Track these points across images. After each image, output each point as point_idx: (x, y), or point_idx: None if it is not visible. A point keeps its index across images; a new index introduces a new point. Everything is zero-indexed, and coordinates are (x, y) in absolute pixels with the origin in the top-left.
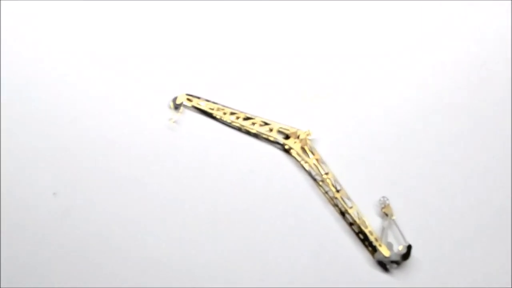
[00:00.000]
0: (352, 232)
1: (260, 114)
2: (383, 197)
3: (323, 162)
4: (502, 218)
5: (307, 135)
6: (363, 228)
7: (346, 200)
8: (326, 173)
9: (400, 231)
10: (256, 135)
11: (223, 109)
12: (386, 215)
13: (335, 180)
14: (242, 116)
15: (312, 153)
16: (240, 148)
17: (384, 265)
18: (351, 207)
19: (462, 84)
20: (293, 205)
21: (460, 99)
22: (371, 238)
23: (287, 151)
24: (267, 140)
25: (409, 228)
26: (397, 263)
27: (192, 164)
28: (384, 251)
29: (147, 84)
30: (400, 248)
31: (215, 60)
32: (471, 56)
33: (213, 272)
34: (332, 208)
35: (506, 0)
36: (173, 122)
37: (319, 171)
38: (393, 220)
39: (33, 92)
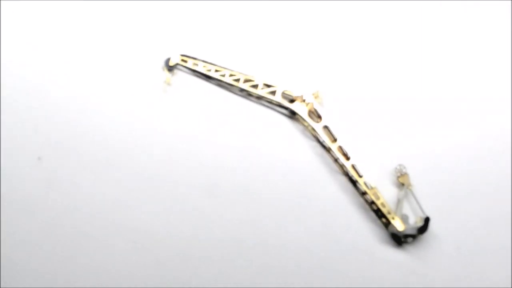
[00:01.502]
0: (364, 203)
1: (261, 76)
2: (400, 165)
3: (332, 128)
4: None
5: (315, 97)
6: (374, 199)
7: (357, 169)
8: (335, 140)
9: (417, 202)
10: (258, 99)
11: (221, 71)
12: (403, 184)
13: (345, 147)
14: (243, 77)
15: (320, 118)
16: (240, 113)
17: (398, 238)
18: (362, 176)
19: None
20: (299, 175)
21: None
22: (384, 210)
23: (293, 116)
24: (270, 104)
25: (427, 199)
26: (413, 237)
27: (188, 130)
28: (399, 224)
29: (138, 44)
30: (417, 221)
31: (212, 16)
32: None
33: (214, 246)
34: (342, 177)
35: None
36: (167, 84)
37: (327, 137)
38: (410, 190)
39: (21, 56)
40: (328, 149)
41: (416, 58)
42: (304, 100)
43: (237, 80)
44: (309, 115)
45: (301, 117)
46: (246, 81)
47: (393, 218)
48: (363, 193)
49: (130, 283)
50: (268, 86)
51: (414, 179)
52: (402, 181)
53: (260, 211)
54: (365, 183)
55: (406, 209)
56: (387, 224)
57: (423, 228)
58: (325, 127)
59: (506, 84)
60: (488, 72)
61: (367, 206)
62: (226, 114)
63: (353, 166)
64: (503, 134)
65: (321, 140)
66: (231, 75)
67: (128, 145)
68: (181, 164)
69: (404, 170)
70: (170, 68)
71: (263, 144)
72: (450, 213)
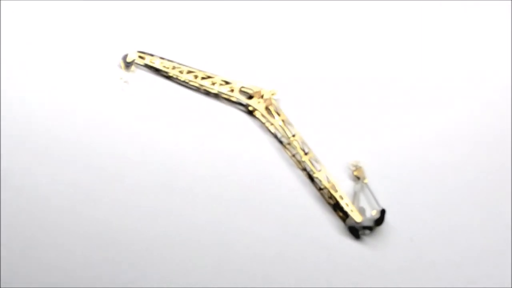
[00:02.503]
0: (321, 198)
1: (219, 73)
2: (355, 159)
3: (290, 124)
4: (486, 178)
5: (272, 94)
6: (333, 192)
7: (315, 164)
8: (293, 135)
9: (373, 195)
10: (216, 96)
11: (179, 68)
12: (358, 178)
13: (303, 142)
14: (201, 75)
15: (278, 113)
16: (199, 110)
17: (356, 231)
18: (320, 171)
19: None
20: (257, 170)
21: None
22: (342, 203)
23: (251, 113)
24: (228, 100)
25: (382, 192)
26: (370, 228)
27: (146, 128)
28: (356, 216)
29: (93, 41)
30: (373, 213)
31: (169, 11)
32: None
33: (171, 245)
34: (300, 172)
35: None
36: (124, 82)
37: (285, 133)
38: (366, 183)
39: None
40: (285, 145)
41: (371, 50)
42: (262, 96)
43: (196, 76)
44: (266, 111)
45: (259, 112)
46: (204, 78)
47: (351, 211)
48: (320, 188)
49: (85, 283)
50: (226, 82)
51: (369, 173)
52: (357, 175)
53: (219, 208)
54: (322, 177)
55: (363, 202)
56: (344, 217)
57: (380, 220)
58: (283, 122)
59: (455, 74)
60: (438, 61)
61: (324, 201)
62: (184, 111)
63: (310, 161)
64: (458, 124)
65: (278, 135)
66: (189, 72)
67: (84, 145)
68: (138, 162)
69: (359, 164)
70: (128, 65)
71: (222, 141)
72: (404, 205)
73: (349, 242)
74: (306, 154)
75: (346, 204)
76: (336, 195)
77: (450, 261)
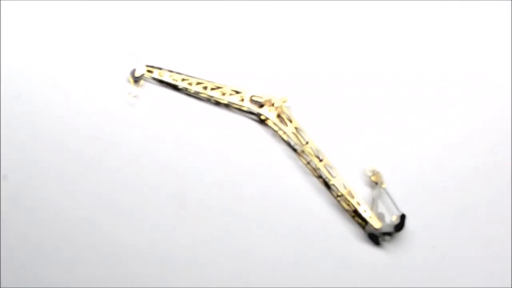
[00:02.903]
0: (339, 205)
1: (229, 83)
2: (372, 164)
3: (303, 131)
4: (504, 183)
5: (283, 101)
6: (349, 198)
7: (330, 170)
8: (307, 142)
9: (392, 200)
10: (227, 106)
11: (188, 79)
12: (376, 183)
13: (317, 149)
14: (210, 85)
15: (290, 121)
16: (210, 121)
17: (376, 238)
18: (335, 177)
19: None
20: (272, 180)
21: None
22: (360, 209)
23: (263, 121)
24: (239, 110)
25: (402, 197)
26: (390, 234)
27: (157, 142)
28: (375, 222)
29: (102, 56)
30: (393, 219)
31: (175, 26)
32: None
33: (184, 255)
34: (315, 180)
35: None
36: (133, 96)
37: (298, 140)
38: (384, 189)
39: None
40: (299, 152)
41: (385, 56)
42: (273, 104)
43: (205, 88)
44: (278, 119)
45: (271, 121)
46: (213, 88)
47: (369, 217)
48: (338, 195)
49: None
50: (236, 92)
51: (387, 178)
52: (375, 180)
53: (232, 219)
54: (339, 184)
55: (381, 208)
56: (363, 224)
57: (400, 225)
58: (296, 129)
59: (476, 82)
60: (454, 68)
61: (342, 208)
62: (195, 123)
63: (325, 168)
64: (477, 128)
65: (292, 143)
66: (198, 83)
67: (96, 159)
68: (150, 175)
69: (376, 169)
70: (136, 80)
71: (234, 151)
72: (425, 211)
73: (369, 249)
74: (321, 161)
75: (364, 210)
76: (353, 202)
77: (474, 269)
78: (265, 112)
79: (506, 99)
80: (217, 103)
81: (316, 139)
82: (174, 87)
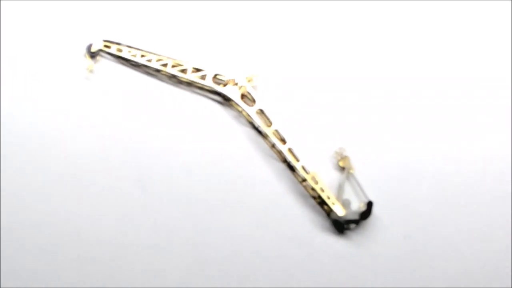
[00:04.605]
0: (303, 191)
1: (191, 60)
2: (340, 148)
3: (267, 111)
4: (474, 170)
5: (248, 81)
6: (313, 184)
7: (295, 153)
8: (271, 123)
9: (359, 186)
10: (188, 85)
11: (147, 56)
12: (343, 168)
13: (282, 131)
14: (171, 62)
15: (254, 101)
16: (169, 100)
17: (340, 226)
18: (300, 161)
19: None
20: (234, 163)
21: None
22: (323, 195)
23: (225, 101)
24: (201, 89)
25: (370, 183)
26: (356, 222)
27: (114, 120)
28: (339, 209)
29: (57, 29)
30: (360, 206)
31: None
32: None
33: (146, 242)
34: (280, 164)
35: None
36: (90, 71)
37: (263, 122)
38: (352, 174)
39: None
40: (264, 135)
41: (358, 38)
42: (236, 84)
43: (165, 65)
44: (243, 99)
45: (234, 101)
46: (174, 66)
47: (333, 204)
48: (303, 180)
49: (58, 283)
50: (198, 70)
51: (356, 163)
52: (342, 165)
53: (194, 204)
54: (303, 168)
55: (349, 194)
56: (329, 211)
57: (366, 213)
58: (260, 111)
59: (441, 64)
60: (421, 53)
61: (306, 194)
62: (154, 102)
63: (290, 150)
64: (452, 112)
65: (256, 125)
66: (158, 60)
67: (50, 138)
68: (107, 157)
69: (344, 153)
70: (93, 55)
71: (195, 133)
72: (397, 199)
73: (333, 238)
74: (285, 143)
75: (328, 196)
76: (317, 187)
77: (449, 260)
78: (228, 91)
79: (485, 87)
80: (179, 82)
81: (281, 121)
82: (133, 64)
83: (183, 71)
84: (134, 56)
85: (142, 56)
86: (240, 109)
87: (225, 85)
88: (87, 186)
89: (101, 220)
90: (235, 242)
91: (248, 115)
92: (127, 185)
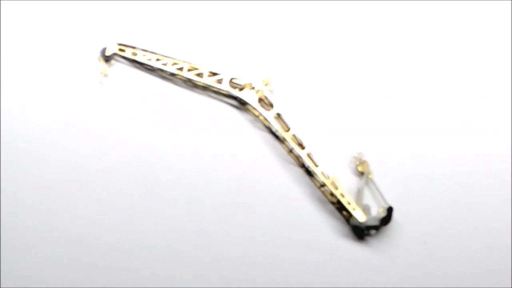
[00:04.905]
0: (322, 196)
1: (207, 64)
2: (358, 153)
3: (285, 116)
4: (494, 176)
5: (265, 85)
6: (332, 189)
7: (314, 158)
8: (289, 128)
9: (379, 191)
10: (204, 89)
11: (162, 59)
12: (362, 173)
13: (300, 136)
14: (187, 66)
15: (272, 105)
16: (185, 105)
17: (360, 231)
18: (319, 166)
19: None
20: (252, 169)
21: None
22: (343, 200)
23: (243, 106)
24: (217, 94)
25: (390, 188)
26: (376, 228)
27: (128, 125)
28: (360, 214)
29: (72, 33)
30: (379, 211)
31: (150, 2)
32: None
33: (155, 248)
34: (298, 169)
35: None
36: (104, 75)
37: (281, 126)
38: (370, 179)
39: None
40: (281, 140)
41: (371, 42)
42: (253, 88)
43: (181, 69)
44: (260, 103)
45: (251, 105)
46: (190, 69)
47: (353, 209)
48: (321, 185)
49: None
50: (214, 74)
51: (375, 167)
52: (361, 170)
53: (207, 210)
54: (322, 173)
55: (368, 199)
56: (348, 217)
57: (386, 218)
58: (278, 115)
59: (459, 71)
60: (444, 59)
61: (325, 200)
62: (169, 106)
63: (309, 156)
64: (472, 120)
65: (273, 129)
66: (173, 64)
67: (63, 142)
68: (120, 161)
69: (363, 158)
70: (107, 59)
71: (211, 138)
72: (415, 204)
73: (353, 244)
74: (303, 148)
75: (348, 202)
76: (337, 193)
77: (468, 267)
78: (245, 96)
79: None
80: (195, 86)
81: (299, 126)
82: (148, 68)
83: (199, 75)
84: (149, 60)
85: (158, 60)
86: (257, 113)
87: (241, 89)
88: (99, 190)
89: (108, 223)
90: (252, 249)
91: (266, 119)
92: (140, 190)
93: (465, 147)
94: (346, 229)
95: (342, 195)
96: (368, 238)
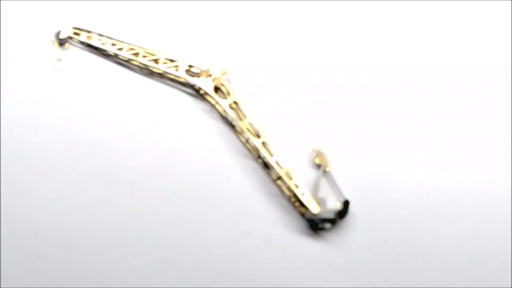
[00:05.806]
0: (277, 190)
1: (164, 50)
2: (316, 145)
3: (242, 105)
4: (455, 171)
5: (223, 73)
6: (287, 180)
7: (269, 147)
8: (245, 117)
9: (336, 185)
10: (160, 76)
11: (118, 45)
12: (319, 166)
13: (256, 125)
14: (143, 52)
15: (228, 94)
16: (140, 92)
17: (315, 225)
18: (273, 155)
19: None
20: (206, 158)
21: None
22: (297, 191)
23: (198, 94)
24: (173, 81)
25: (347, 181)
26: (332, 222)
27: (81, 111)
28: (314, 206)
29: (24, 15)
30: (336, 205)
31: None
32: None
33: (107, 239)
34: (252, 162)
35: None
36: (57, 60)
37: (237, 115)
38: (328, 172)
39: None
40: (237, 130)
41: (329, 31)
42: (210, 75)
43: (136, 54)
44: (216, 91)
45: (207, 93)
46: (146, 55)
47: (307, 201)
48: (277, 178)
49: (19, 277)
50: (171, 61)
51: (334, 162)
52: (318, 162)
53: (160, 202)
54: (277, 163)
55: (325, 193)
56: (304, 212)
57: (343, 212)
58: (235, 103)
59: (417, 63)
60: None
61: (280, 194)
62: (124, 94)
63: (264, 144)
64: (430, 107)
65: (229, 119)
66: (129, 50)
67: (14, 128)
68: (72, 149)
69: (320, 150)
70: (61, 42)
71: (164, 126)
72: (377, 199)
73: (307, 238)
74: (259, 137)
75: (302, 193)
76: (291, 184)
77: (433, 265)
78: (201, 83)
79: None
80: (151, 73)
81: (257, 117)
82: (103, 53)
83: (155, 61)
84: (104, 44)
85: (113, 44)
86: (213, 101)
87: (198, 77)
88: (51, 177)
89: (59, 211)
90: (203, 244)
91: (221, 108)
92: (92, 178)
93: (426, 142)
94: (301, 224)
95: (296, 186)
96: (325, 234)
